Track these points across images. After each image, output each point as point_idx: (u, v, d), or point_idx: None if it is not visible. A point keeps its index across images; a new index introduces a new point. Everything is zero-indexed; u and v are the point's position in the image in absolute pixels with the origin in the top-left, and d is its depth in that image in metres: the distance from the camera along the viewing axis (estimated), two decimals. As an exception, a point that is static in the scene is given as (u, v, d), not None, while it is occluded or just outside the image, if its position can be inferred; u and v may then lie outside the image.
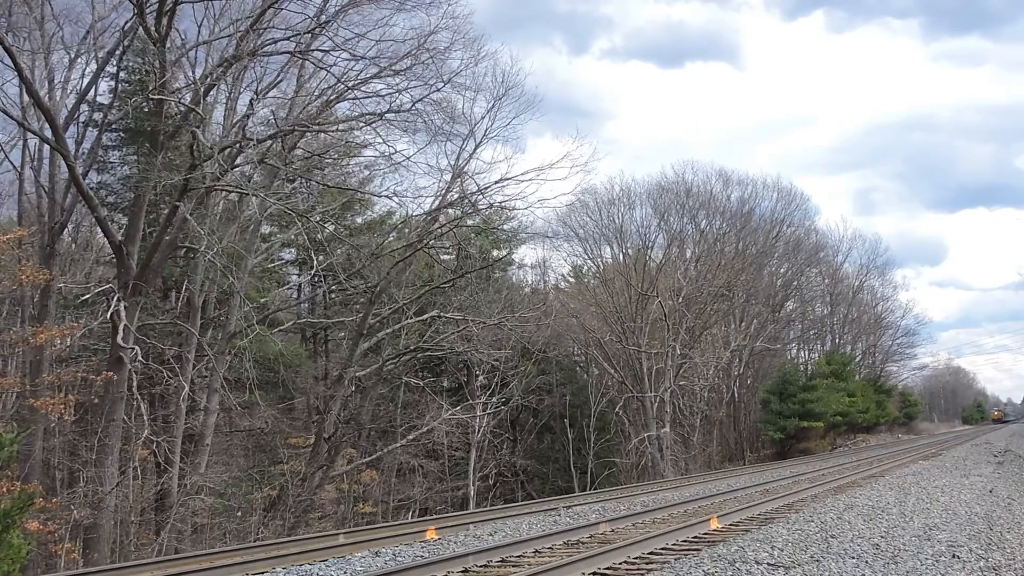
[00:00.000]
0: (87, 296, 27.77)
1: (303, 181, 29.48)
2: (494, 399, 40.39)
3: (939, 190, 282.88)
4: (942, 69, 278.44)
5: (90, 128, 30.17)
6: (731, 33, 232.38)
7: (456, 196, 33.11)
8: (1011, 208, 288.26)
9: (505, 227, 40.86)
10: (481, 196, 33.09)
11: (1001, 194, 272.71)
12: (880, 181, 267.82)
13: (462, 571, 13.34)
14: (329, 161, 31.29)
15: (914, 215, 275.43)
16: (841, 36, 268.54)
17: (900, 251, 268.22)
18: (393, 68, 25.71)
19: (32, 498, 9.87)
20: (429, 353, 36.28)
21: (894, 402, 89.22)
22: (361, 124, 28.10)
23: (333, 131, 28.90)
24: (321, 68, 26.84)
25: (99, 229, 27.31)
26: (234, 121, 28.75)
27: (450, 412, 36.67)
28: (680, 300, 52.45)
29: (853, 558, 13.11)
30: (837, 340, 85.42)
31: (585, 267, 60.21)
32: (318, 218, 29.80)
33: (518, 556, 14.74)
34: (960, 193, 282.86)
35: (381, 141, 28.73)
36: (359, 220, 40.58)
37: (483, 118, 32.26)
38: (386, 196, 31.96)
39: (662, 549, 14.96)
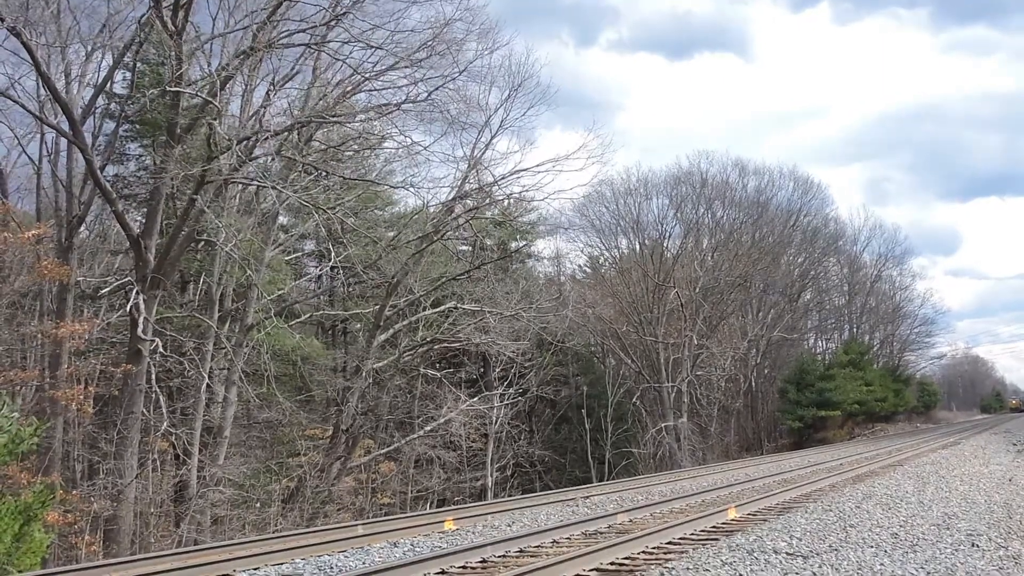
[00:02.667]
0: (106, 290, 27.89)
1: (320, 173, 29.52)
2: (511, 390, 40.42)
3: (951, 180, 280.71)
4: (951, 59, 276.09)
5: (107, 121, 30.28)
6: (739, 24, 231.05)
7: (473, 186, 33.13)
8: (1022, 197, 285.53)
9: (522, 219, 40.87)
10: (497, 187, 33.14)
11: (1014, 183, 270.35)
12: (892, 171, 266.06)
13: (480, 561, 13.35)
14: (349, 153, 31.30)
15: (927, 205, 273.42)
16: (847, 27, 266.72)
17: (915, 241, 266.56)
18: (409, 59, 25.72)
19: (53, 492, 9.94)
20: (446, 345, 36.30)
21: (912, 391, 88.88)
22: (378, 115, 28.14)
23: (350, 122, 28.93)
24: (337, 60, 26.88)
25: (116, 222, 27.39)
26: (251, 113, 28.81)
27: (467, 403, 36.71)
28: (697, 290, 52.39)
29: (872, 547, 13.09)
30: (855, 329, 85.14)
31: (602, 258, 60.25)
32: (335, 210, 29.86)
33: (536, 546, 14.75)
34: (972, 183, 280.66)
35: (398, 132, 28.79)
36: (380, 213, 40.60)
37: (499, 108, 32.30)
38: (403, 187, 32.00)
39: (680, 539, 14.95)
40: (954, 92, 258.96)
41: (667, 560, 12.94)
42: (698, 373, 53.57)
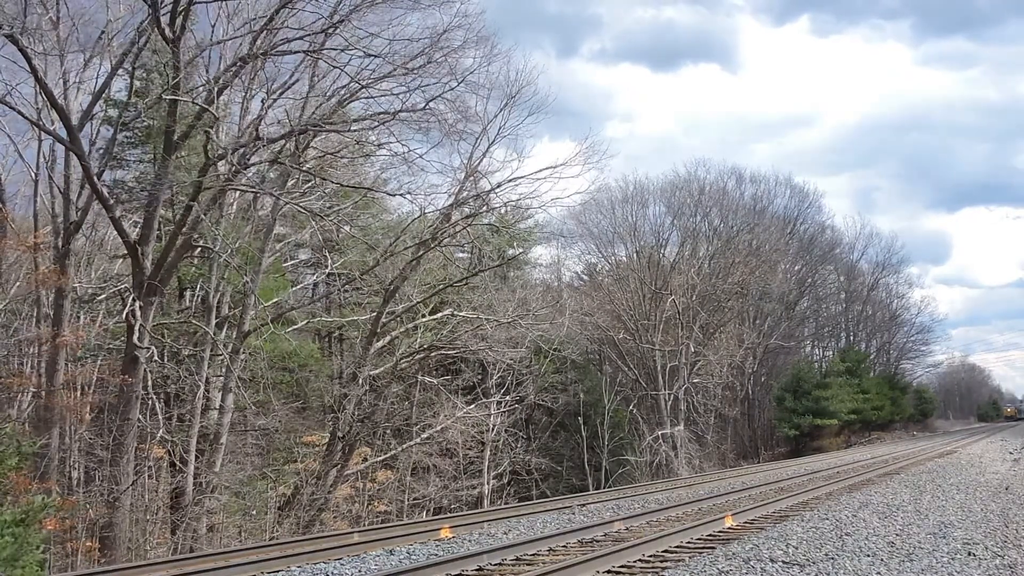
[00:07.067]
0: (102, 296, 27.85)
1: (316, 181, 29.48)
2: (508, 397, 40.40)
3: (938, 189, 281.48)
4: (935, 70, 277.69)
5: (105, 127, 30.23)
6: (722, 36, 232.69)
7: (470, 194, 33.13)
8: (1008, 207, 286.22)
9: (519, 226, 40.86)
10: (495, 194, 33.13)
11: (1000, 193, 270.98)
12: (880, 181, 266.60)
13: (476, 570, 13.36)
14: (343, 161, 31.28)
15: (916, 214, 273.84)
16: (828, 40, 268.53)
17: (905, 249, 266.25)
18: (407, 67, 25.69)
19: (48, 503, 9.93)
20: (443, 352, 36.28)
21: (909, 399, 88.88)
22: (374, 123, 28.11)
23: (346, 130, 28.90)
24: (335, 67, 26.83)
25: (113, 228, 27.34)
26: (248, 121, 28.78)
27: (464, 411, 36.69)
28: (694, 298, 52.41)
29: (868, 556, 13.09)
30: (852, 337, 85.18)
31: (599, 265, 60.28)
32: (332, 217, 29.86)
33: (532, 555, 14.75)
34: (960, 192, 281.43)
35: (395, 140, 28.76)
36: (373, 220, 40.54)
37: (496, 116, 32.24)
38: (399, 195, 31.91)
39: (677, 547, 14.96)
40: (939, 102, 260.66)
41: (663, 568, 12.96)
42: (695, 381, 53.54)
